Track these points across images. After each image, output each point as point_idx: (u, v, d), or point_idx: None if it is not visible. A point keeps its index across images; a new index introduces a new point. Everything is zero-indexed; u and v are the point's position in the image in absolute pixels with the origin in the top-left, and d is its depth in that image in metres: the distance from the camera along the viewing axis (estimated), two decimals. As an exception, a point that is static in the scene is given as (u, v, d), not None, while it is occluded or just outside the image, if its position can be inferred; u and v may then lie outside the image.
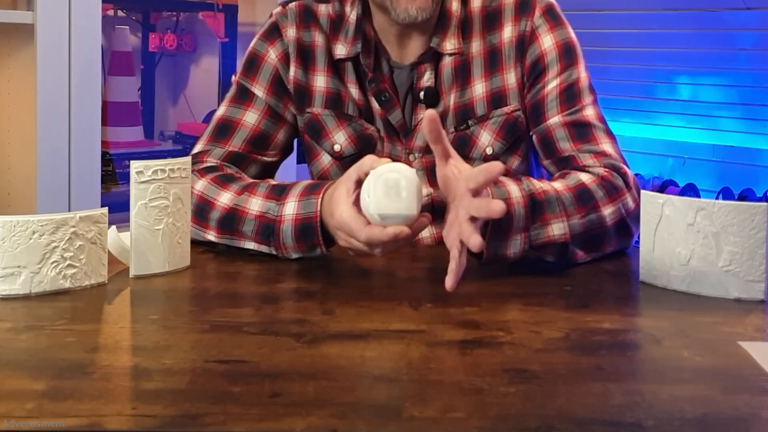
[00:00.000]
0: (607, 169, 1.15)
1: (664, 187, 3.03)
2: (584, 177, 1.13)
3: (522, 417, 0.65)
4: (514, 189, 1.04)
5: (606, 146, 1.20)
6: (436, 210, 1.26)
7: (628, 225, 1.14)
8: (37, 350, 0.79)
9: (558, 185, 1.10)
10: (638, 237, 1.07)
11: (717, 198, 2.81)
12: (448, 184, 0.99)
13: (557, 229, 1.07)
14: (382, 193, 0.94)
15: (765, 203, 0.96)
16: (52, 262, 0.94)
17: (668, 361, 0.79)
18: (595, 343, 0.83)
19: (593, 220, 1.10)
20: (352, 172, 1.00)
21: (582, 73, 1.25)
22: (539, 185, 1.08)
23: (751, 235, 0.96)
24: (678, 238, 0.99)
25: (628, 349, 0.84)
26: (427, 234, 1.27)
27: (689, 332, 0.87)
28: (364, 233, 0.97)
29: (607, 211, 1.11)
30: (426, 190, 1.26)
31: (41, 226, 0.93)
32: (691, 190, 2.94)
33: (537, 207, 1.06)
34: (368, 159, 0.99)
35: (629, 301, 1.00)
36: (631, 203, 1.14)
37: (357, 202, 0.98)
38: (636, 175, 1.20)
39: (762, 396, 0.71)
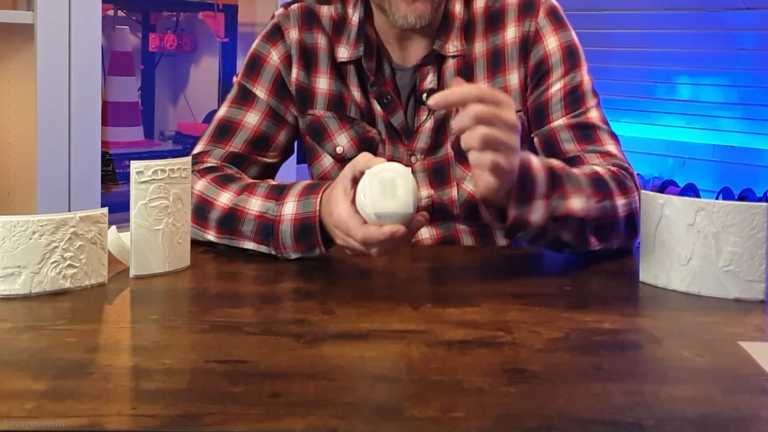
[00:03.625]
0: (615, 167, 1.16)
1: (664, 187, 3.03)
2: (598, 168, 1.14)
3: (522, 417, 0.65)
4: (533, 158, 1.04)
5: (611, 147, 1.21)
6: (436, 211, 1.26)
7: (635, 222, 1.13)
8: (37, 350, 0.79)
9: (574, 169, 1.11)
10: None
11: (717, 198, 2.81)
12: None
13: (577, 203, 1.06)
14: (377, 192, 0.94)
15: (765, 203, 0.96)
16: (52, 262, 0.94)
17: (668, 361, 0.79)
18: (595, 343, 0.83)
19: (607, 207, 1.10)
20: (348, 171, 1.00)
21: (585, 76, 1.25)
22: (556, 162, 1.08)
23: (751, 235, 0.96)
24: (678, 238, 0.99)
25: (628, 349, 0.84)
26: (427, 235, 1.27)
27: (689, 332, 0.87)
28: (360, 232, 0.97)
29: (620, 202, 1.12)
30: (427, 191, 1.26)
31: (41, 226, 0.93)
32: (691, 190, 2.94)
33: (556, 179, 1.05)
34: (363, 157, 0.99)
35: (629, 301, 1.00)
36: (638, 203, 1.14)
37: (355, 201, 0.98)
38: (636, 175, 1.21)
39: (762, 396, 0.71)
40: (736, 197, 2.81)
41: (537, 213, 1.03)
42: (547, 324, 0.88)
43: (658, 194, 1.02)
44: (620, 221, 1.11)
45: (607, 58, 3.11)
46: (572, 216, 1.06)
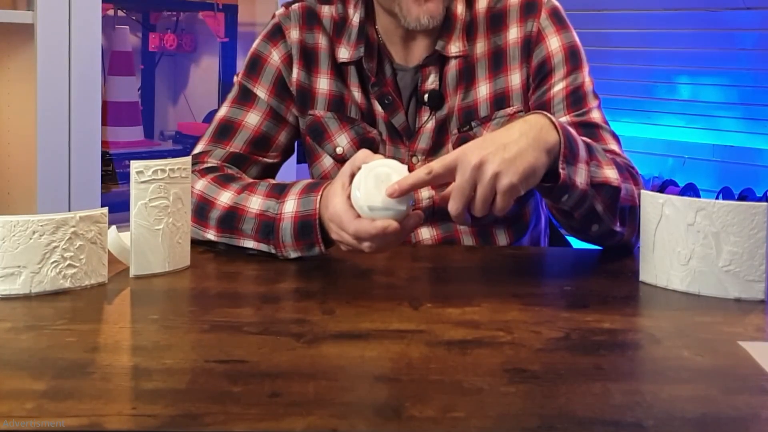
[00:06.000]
0: (623, 162, 1.16)
1: (664, 187, 3.03)
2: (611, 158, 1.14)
3: (522, 417, 0.65)
4: (569, 127, 1.05)
5: (614, 146, 1.21)
6: (437, 213, 1.26)
7: (637, 217, 1.13)
8: (37, 350, 0.79)
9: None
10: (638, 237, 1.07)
11: (717, 198, 2.81)
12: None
13: (611, 174, 1.08)
14: (372, 186, 0.95)
15: (765, 203, 0.96)
16: (52, 262, 0.94)
17: (668, 361, 0.79)
18: (595, 343, 0.83)
19: (629, 190, 1.12)
20: (347, 167, 1.01)
21: (586, 78, 1.25)
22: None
23: (751, 235, 0.96)
24: (678, 238, 0.99)
25: (628, 349, 0.84)
26: (427, 235, 1.27)
27: (689, 332, 0.87)
28: (353, 226, 0.97)
29: (636, 190, 1.13)
30: (428, 192, 1.26)
31: (41, 226, 0.93)
32: (691, 190, 2.94)
33: (591, 147, 1.07)
34: (361, 153, 0.99)
35: (629, 301, 1.00)
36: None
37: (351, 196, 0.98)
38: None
39: (762, 396, 0.71)
40: (736, 197, 2.81)
41: (580, 176, 1.04)
42: (547, 324, 0.88)
43: (658, 194, 1.02)
44: (636, 209, 1.12)
45: (608, 58, 3.11)
46: (608, 184, 1.07)
